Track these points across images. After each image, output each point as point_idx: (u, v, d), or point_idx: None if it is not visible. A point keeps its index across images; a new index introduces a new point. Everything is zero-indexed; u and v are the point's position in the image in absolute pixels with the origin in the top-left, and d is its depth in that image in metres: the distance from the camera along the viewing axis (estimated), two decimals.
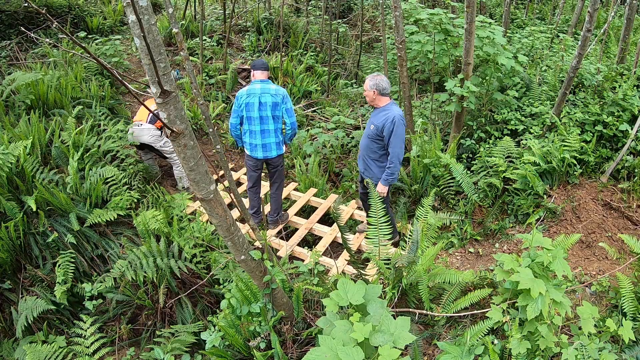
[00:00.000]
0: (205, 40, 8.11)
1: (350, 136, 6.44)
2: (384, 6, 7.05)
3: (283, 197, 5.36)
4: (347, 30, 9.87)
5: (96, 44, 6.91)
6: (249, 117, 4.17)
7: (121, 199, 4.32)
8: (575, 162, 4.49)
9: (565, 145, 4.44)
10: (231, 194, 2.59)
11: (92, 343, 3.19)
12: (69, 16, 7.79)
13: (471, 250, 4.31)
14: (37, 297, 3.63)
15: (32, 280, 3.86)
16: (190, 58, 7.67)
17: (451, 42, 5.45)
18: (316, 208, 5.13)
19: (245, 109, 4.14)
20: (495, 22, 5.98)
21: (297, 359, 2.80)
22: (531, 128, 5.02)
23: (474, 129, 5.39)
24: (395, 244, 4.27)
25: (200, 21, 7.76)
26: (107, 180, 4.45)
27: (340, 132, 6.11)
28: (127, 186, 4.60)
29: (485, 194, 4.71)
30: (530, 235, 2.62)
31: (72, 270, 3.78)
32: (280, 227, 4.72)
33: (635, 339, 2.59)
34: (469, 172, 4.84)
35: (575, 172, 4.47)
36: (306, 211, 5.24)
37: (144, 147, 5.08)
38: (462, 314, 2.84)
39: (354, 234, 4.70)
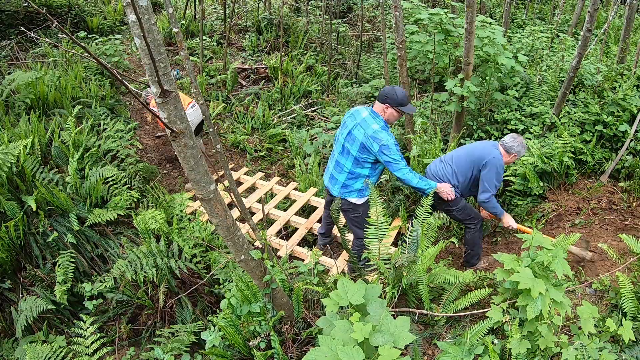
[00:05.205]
0: (205, 40, 8.11)
1: None
2: (384, 6, 7.05)
3: (283, 196, 5.36)
4: (347, 30, 9.86)
5: (96, 44, 6.90)
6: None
7: (121, 199, 4.32)
8: (574, 162, 4.49)
9: (565, 145, 4.44)
10: (231, 194, 2.59)
11: (92, 343, 3.18)
12: (69, 16, 7.79)
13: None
14: (37, 297, 3.63)
15: (32, 280, 3.86)
16: (190, 58, 7.67)
17: (451, 42, 5.45)
18: (316, 208, 5.12)
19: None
20: (496, 22, 5.98)
21: (297, 359, 2.80)
22: (531, 128, 5.01)
23: (474, 128, 5.39)
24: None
25: (200, 21, 7.76)
26: (107, 180, 4.45)
27: None
28: (127, 186, 4.60)
29: None
30: (530, 235, 2.62)
31: (72, 270, 3.78)
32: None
33: (635, 339, 2.59)
34: None
35: (574, 172, 4.46)
36: (306, 211, 5.24)
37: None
38: (462, 314, 2.84)
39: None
